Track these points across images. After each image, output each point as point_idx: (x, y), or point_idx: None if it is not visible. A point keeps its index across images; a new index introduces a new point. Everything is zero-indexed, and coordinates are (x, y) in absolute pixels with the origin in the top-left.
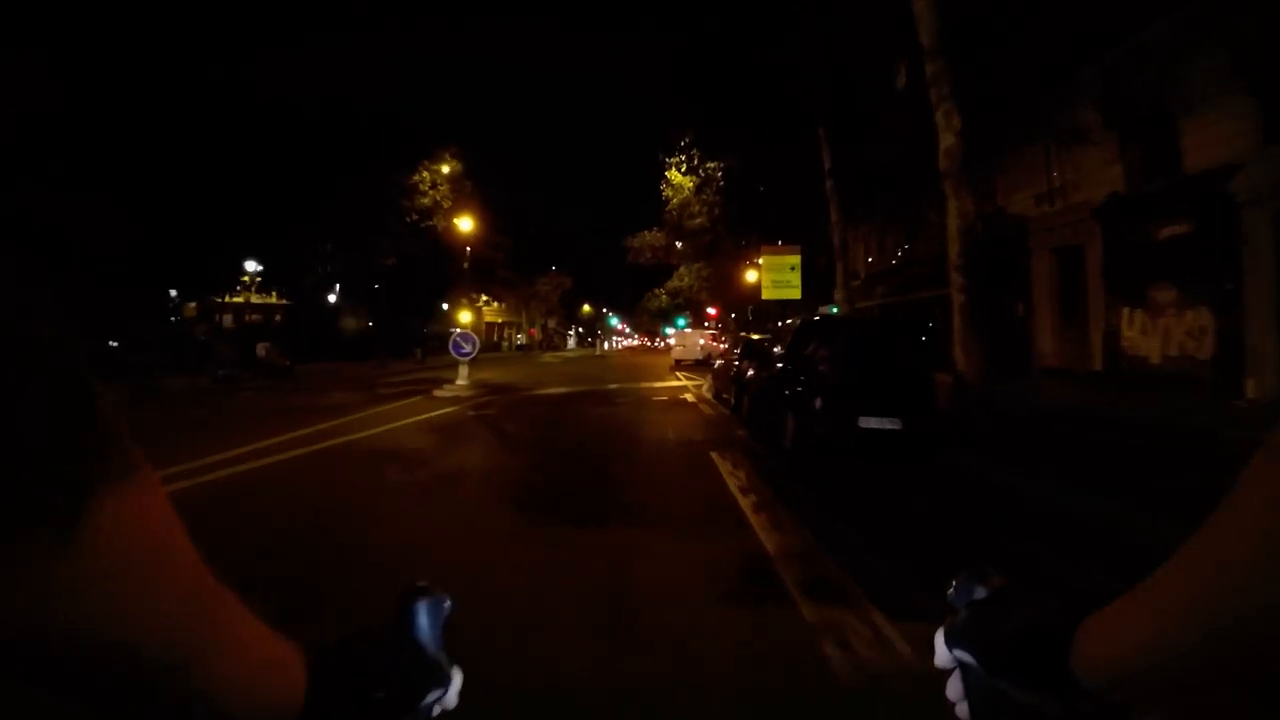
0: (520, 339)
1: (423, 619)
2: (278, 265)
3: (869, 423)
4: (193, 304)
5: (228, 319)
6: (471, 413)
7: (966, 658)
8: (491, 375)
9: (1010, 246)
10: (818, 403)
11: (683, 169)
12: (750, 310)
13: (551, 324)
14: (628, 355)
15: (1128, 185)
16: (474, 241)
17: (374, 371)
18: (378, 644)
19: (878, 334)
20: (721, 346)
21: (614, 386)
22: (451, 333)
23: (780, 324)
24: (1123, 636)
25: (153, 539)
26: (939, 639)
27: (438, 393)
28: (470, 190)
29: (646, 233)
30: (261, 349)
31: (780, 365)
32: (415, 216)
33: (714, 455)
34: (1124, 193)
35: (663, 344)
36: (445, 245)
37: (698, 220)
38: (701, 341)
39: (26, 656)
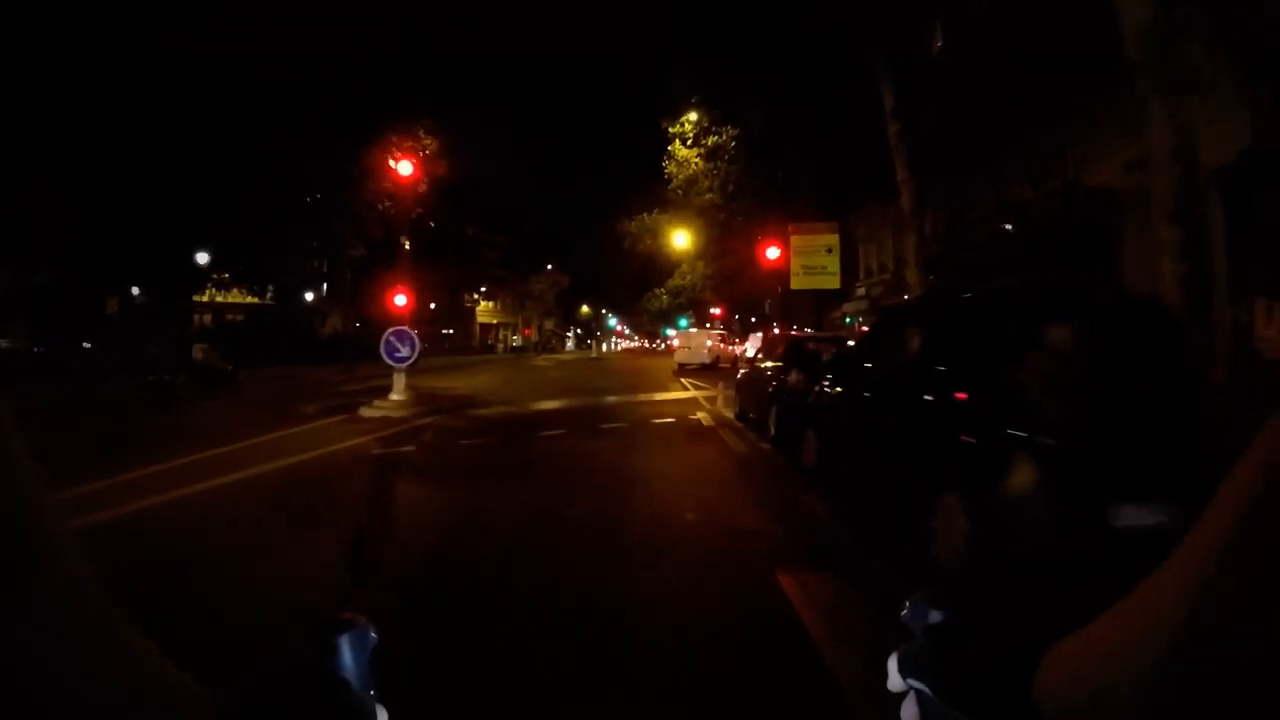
0: (516, 340)
1: (347, 654)
2: (234, 258)
3: (1131, 516)
4: (148, 300)
5: (207, 319)
6: (378, 450)
7: (921, 687)
8: (459, 383)
9: (1092, 227)
10: (1034, 482)
11: (688, 141)
12: (767, 305)
13: (549, 325)
14: (626, 358)
15: (1258, 141)
16: (426, 200)
17: (335, 377)
18: (298, 683)
19: (1108, 330)
20: (734, 349)
21: (605, 401)
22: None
23: (841, 319)
24: (1086, 667)
25: (37, 528)
26: (892, 665)
27: (365, 411)
28: (446, 168)
29: (646, 215)
30: (199, 351)
31: (896, 395)
32: (387, 203)
33: (789, 587)
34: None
35: (663, 346)
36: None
37: (707, 196)
38: (709, 343)
39: None
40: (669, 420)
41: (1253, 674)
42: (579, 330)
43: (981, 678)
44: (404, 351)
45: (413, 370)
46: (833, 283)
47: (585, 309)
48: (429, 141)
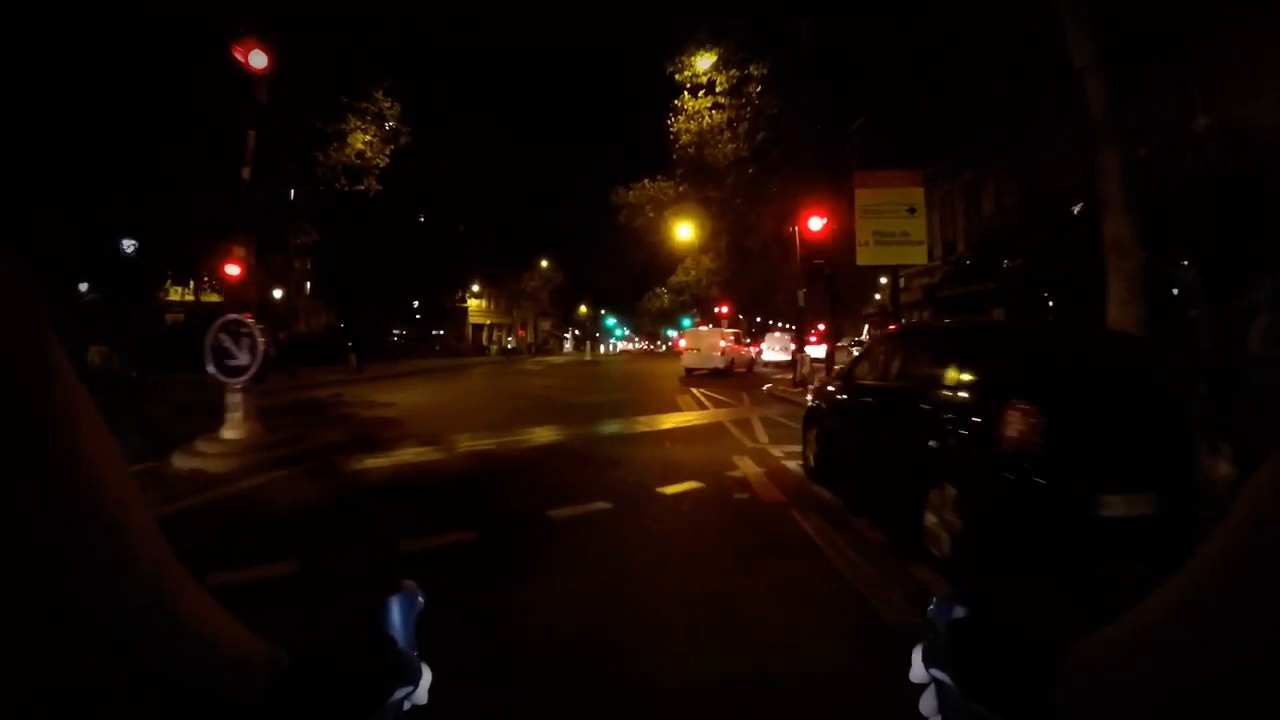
0: (510, 342)
1: (395, 615)
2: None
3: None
4: (96, 299)
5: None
6: None
7: (943, 677)
8: (406, 396)
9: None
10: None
11: (700, 90)
12: (801, 295)
13: (546, 326)
14: (626, 361)
15: None
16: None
17: (272, 386)
18: (348, 639)
19: None
20: (748, 350)
21: (586, 432)
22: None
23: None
24: (1109, 667)
25: (109, 498)
26: (916, 656)
27: (179, 460)
28: (409, 138)
29: (648, 182)
30: (95, 355)
31: None
32: (344, 181)
33: None
34: None
35: (664, 347)
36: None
37: (729, 147)
38: (722, 344)
39: None
40: (691, 485)
41: (1272, 678)
42: (577, 331)
43: (1004, 671)
44: (241, 358)
45: (372, 375)
46: (917, 256)
47: (584, 309)
48: (388, 105)
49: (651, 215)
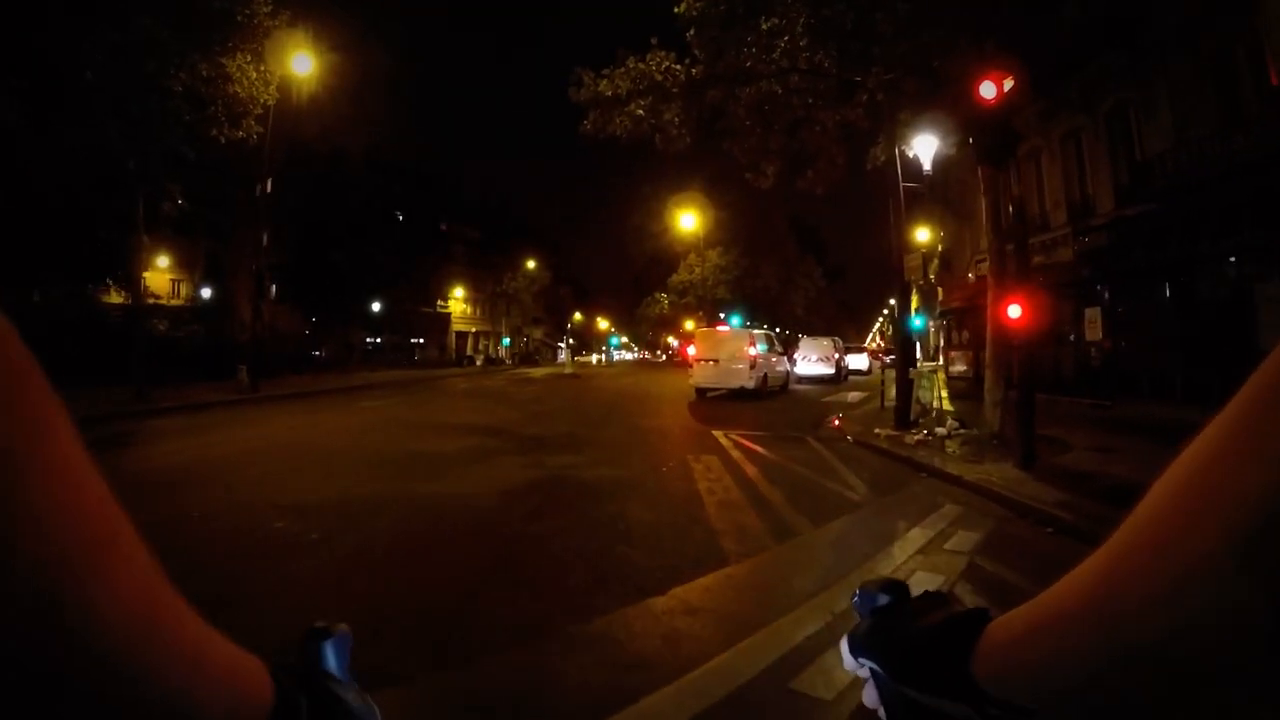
0: (500, 351)
1: (331, 657)
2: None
3: None
4: (49, 299)
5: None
6: None
7: (873, 665)
8: (223, 438)
9: None
10: None
11: None
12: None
13: (538, 334)
14: (620, 375)
15: None
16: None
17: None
18: (318, 673)
19: None
20: (782, 364)
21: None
22: None
23: None
24: (1027, 641)
25: (92, 520)
26: (844, 646)
27: None
28: (320, 76)
29: (633, 59)
30: None
31: None
32: (224, 123)
33: None
34: None
35: (664, 356)
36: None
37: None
38: (751, 351)
39: None
40: None
41: (1178, 655)
42: (571, 340)
43: (922, 651)
44: None
45: (269, 394)
46: None
47: (578, 316)
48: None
49: (641, 113)
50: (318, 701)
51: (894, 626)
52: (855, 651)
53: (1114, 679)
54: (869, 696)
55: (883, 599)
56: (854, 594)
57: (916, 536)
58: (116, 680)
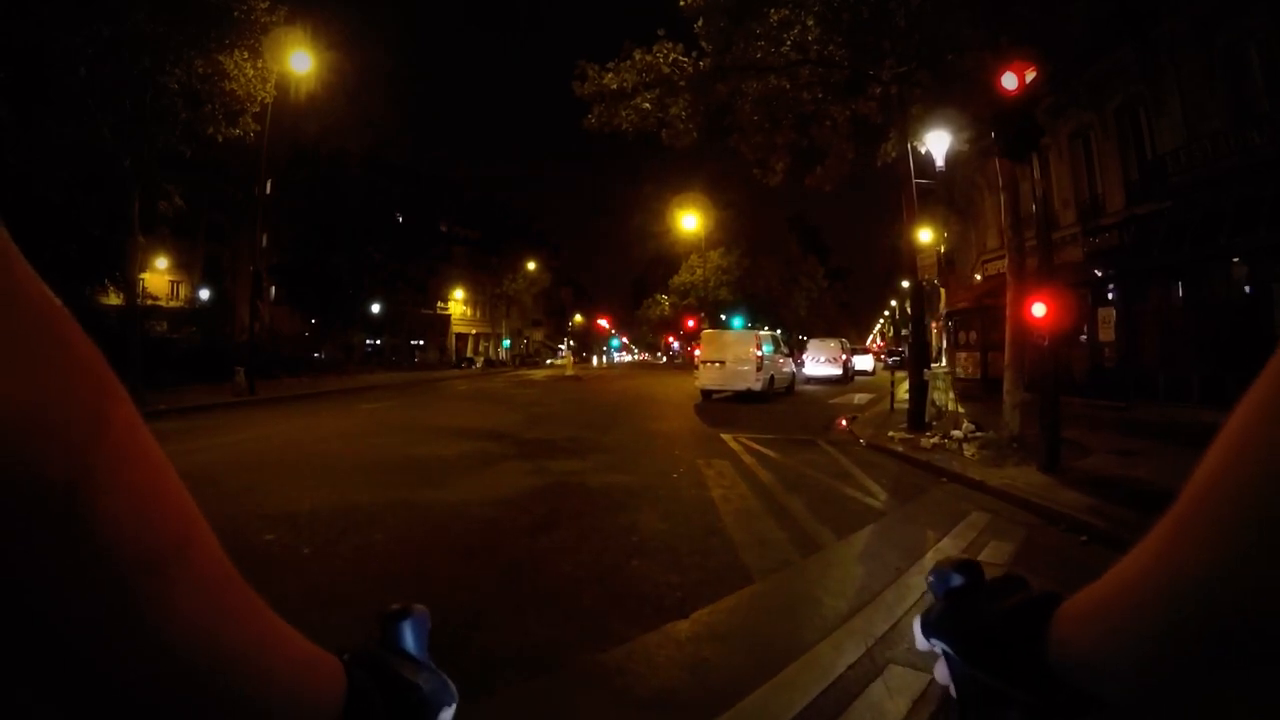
0: (501, 353)
1: (409, 636)
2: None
3: None
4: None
5: (162, 327)
6: None
7: (944, 647)
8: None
9: None
10: None
11: None
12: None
13: (539, 336)
14: (622, 377)
15: None
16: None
17: None
18: (393, 658)
19: None
20: (787, 363)
21: None
22: None
23: None
24: (1097, 621)
25: (172, 520)
26: (916, 627)
27: None
28: (319, 75)
29: (639, 52)
30: None
31: None
32: (220, 121)
33: None
34: None
35: (664, 359)
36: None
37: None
38: (756, 352)
39: (31, 669)
40: None
41: (1256, 630)
42: (572, 342)
43: (995, 635)
44: None
45: (267, 397)
46: None
47: (579, 318)
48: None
49: (648, 106)
50: (391, 691)
51: (967, 609)
52: (928, 633)
53: (1177, 656)
54: (940, 673)
55: (956, 580)
56: (928, 575)
57: (948, 547)
58: (192, 676)
